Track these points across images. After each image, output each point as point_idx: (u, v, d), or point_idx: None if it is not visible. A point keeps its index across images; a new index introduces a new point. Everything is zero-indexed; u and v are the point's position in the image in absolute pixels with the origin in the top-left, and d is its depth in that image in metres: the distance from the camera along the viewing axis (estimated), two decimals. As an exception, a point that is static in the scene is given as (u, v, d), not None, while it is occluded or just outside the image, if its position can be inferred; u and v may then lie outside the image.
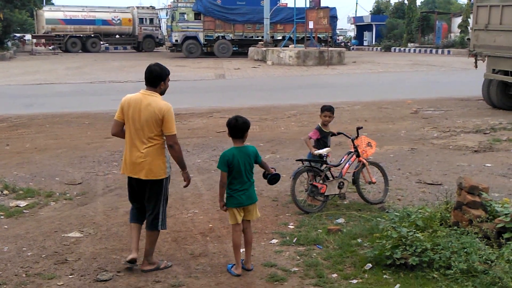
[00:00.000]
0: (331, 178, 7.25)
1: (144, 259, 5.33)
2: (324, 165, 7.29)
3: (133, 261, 5.28)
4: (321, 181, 7.16)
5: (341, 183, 7.28)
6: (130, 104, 5.15)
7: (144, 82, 5.23)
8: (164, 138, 5.18)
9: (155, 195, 5.25)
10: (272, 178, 5.47)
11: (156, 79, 5.17)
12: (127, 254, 5.60)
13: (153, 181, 5.19)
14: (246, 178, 5.25)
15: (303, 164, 7.23)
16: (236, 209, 5.26)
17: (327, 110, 7.42)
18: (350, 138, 7.62)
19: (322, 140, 7.44)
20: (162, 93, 5.27)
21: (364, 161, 7.48)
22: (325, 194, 7.15)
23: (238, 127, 5.22)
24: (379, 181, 7.67)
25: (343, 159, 7.55)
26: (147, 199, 5.29)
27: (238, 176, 5.21)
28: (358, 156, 7.48)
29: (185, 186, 5.46)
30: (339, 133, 7.67)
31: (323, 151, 7.19)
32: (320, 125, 7.49)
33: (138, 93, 5.22)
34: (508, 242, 4.95)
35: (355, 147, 7.47)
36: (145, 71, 5.21)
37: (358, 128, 7.68)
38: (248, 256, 5.38)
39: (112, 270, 5.29)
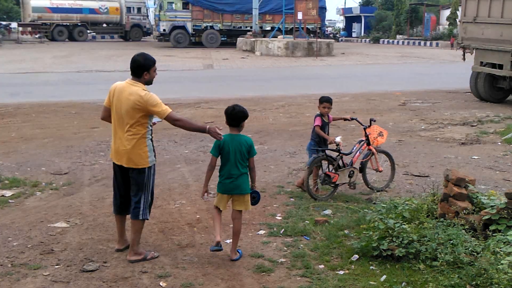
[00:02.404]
0: (343, 167, 7.34)
1: (130, 249, 5.32)
2: (337, 154, 7.35)
3: (119, 250, 5.33)
4: (333, 170, 7.26)
5: (352, 172, 7.40)
6: (115, 92, 5.17)
7: (130, 73, 5.19)
8: (148, 127, 5.18)
9: (136, 184, 5.22)
10: (254, 196, 5.43)
11: (139, 69, 5.14)
12: (114, 245, 5.59)
13: (135, 169, 5.17)
14: (235, 166, 5.25)
15: (317, 152, 7.27)
16: (221, 194, 5.35)
17: (326, 101, 7.46)
18: (363, 126, 7.72)
19: (322, 128, 7.46)
20: (148, 83, 5.23)
21: (373, 150, 7.60)
22: (337, 183, 7.26)
23: (234, 115, 5.31)
24: (386, 169, 7.84)
25: (354, 147, 7.67)
26: (131, 188, 5.29)
27: (227, 163, 5.26)
28: (368, 144, 7.60)
29: (218, 138, 5.16)
30: (352, 119, 7.75)
31: (338, 139, 7.29)
32: (319, 113, 7.51)
33: (125, 82, 5.19)
34: (494, 234, 4.97)
35: (367, 135, 7.59)
36: (130, 61, 5.16)
37: (371, 120, 7.74)
38: (234, 247, 5.39)
39: (99, 261, 5.26)
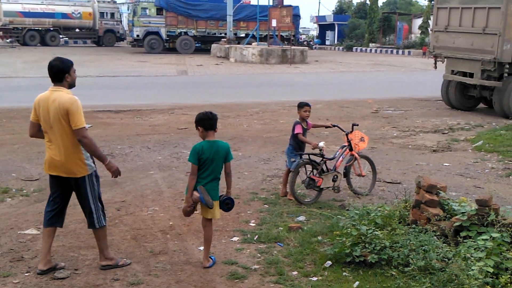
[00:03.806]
0: (326, 171, 7.48)
1: (100, 255, 5.25)
2: (321, 158, 7.48)
3: (42, 273, 5.05)
4: (317, 175, 7.38)
5: (335, 176, 7.54)
6: (40, 103, 4.95)
7: (51, 80, 5.01)
8: None
9: (81, 194, 5.06)
10: (228, 202, 5.37)
11: (59, 73, 4.96)
12: (86, 252, 5.52)
13: (76, 179, 5.00)
14: (212, 172, 5.22)
15: (301, 157, 7.40)
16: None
17: (306, 105, 7.53)
18: (344, 132, 7.85)
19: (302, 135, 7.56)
20: (71, 86, 5.07)
21: (356, 155, 7.76)
22: (321, 187, 7.39)
23: (213, 118, 5.27)
24: (367, 173, 8.00)
25: (337, 153, 7.81)
26: (77, 198, 5.14)
27: (205, 169, 5.19)
28: (351, 149, 7.76)
29: (113, 177, 5.13)
30: (334, 126, 7.97)
31: (322, 144, 7.41)
32: (299, 120, 7.56)
33: (47, 90, 5.00)
34: (464, 241, 5.04)
35: (349, 141, 7.74)
36: (47, 68, 4.99)
37: (353, 125, 7.94)
38: (206, 254, 5.36)
39: (70, 268, 5.19)
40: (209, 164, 5.18)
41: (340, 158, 7.73)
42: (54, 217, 5.17)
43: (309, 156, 7.41)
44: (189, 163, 5.23)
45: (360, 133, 7.93)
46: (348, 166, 7.77)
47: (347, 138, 7.76)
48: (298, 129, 7.46)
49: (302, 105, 7.54)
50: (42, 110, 4.92)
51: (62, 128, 4.87)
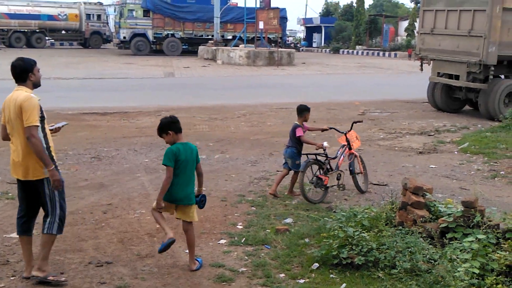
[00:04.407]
0: (331, 170, 7.73)
1: (36, 262, 4.99)
2: (325, 158, 7.76)
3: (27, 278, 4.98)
4: (323, 174, 7.64)
5: (339, 175, 7.85)
6: (5, 104, 4.88)
7: (14, 81, 4.95)
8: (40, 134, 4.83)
9: (42, 197, 4.93)
10: (203, 200, 5.41)
11: (23, 73, 4.89)
12: (72, 255, 5.49)
13: (35, 182, 4.90)
14: (188, 175, 5.22)
15: (307, 157, 7.62)
16: (168, 203, 5.24)
17: (308, 110, 7.83)
18: (343, 132, 8.18)
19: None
20: (36, 85, 5.00)
21: (356, 153, 8.16)
22: (327, 185, 7.63)
23: (179, 121, 5.29)
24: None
25: (338, 152, 8.09)
26: (40, 201, 5.01)
27: (181, 172, 5.17)
28: (350, 148, 8.08)
29: (52, 187, 4.85)
30: (330, 128, 8.31)
31: (326, 144, 7.75)
32: (298, 123, 7.80)
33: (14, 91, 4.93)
34: (450, 242, 5.07)
35: (347, 140, 8.05)
36: (10, 68, 4.93)
37: (354, 122, 8.52)
38: (192, 257, 5.35)
39: (56, 272, 5.14)
40: (185, 166, 5.18)
41: (342, 157, 8.00)
42: (24, 224, 5.07)
43: (316, 156, 7.67)
44: None
45: (355, 133, 8.28)
46: (352, 164, 8.04)
47: (346, 138, 8.05)
48: (300, 132, 7.68)
49: (304, 110, 7.81)
50: (7, 110, 4.87)
51: (21, 128, 4.78)
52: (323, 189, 7.64)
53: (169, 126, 5.22)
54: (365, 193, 8.10)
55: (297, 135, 7.67)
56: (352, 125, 8.43)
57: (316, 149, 7.73)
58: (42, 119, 4.86)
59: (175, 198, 5.23)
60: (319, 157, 7.72)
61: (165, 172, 5.17)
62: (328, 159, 7.76)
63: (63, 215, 5.02)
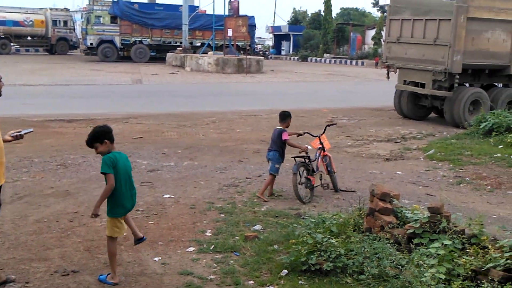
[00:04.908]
0: (312, 172, 8.16)
1: None
2: (308, 160, 8.20)
3: None
4: (310, 175, 8.11)
5: (320, 175, 8.39)
6: None
7: None
8: None
9: None
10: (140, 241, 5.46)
11: None
12: (37, 264, 5.39)
13: None
14: (129, 183, 5.19)
15: (295, 160, 8.04)
16: (119, 219, 5.16)
17: (290, 116, 8.27)
18: (317, 136, 8.67)
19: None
20: None
21: (329, 154, 8.67)
22: (314, 185, 8.10)
23: (112, 130, 5.20)
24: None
25: (316, 154, 8.49)
26: None
27: (123, 181, 5.10)
28: (323, 150, 8.55)
29: None
30: (305, 133, 8.75)
31: (309, 147, 8.39)
32: (282, 128, 8.19)
33: None
34: (417, 248, 5.13)
35: (321, 143, 8.55)
36: None
37: (327, 125, 9.14)
38: (133, 227, 5.37)
39: (20, 281, 5.05)
40: (124, 174, 5.11)
41: (320, 159, 8.45)
42: None
43: (304, 159, 8.10)
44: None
45: (325, 136, 8.78)
46: (329, 165, 8.55)
47: (320, 140, 8.54)
48: (286, 136, 8.08)
49: (287, 116, 8.22)
50: None
51: None
52: (311, 189, 8.06)
53: (104, 135, 5.08)
54: (334, 197, 8.17)
55: (284, 138, 8.05)
56: (325, 128, 8.97)
57: (300, 152, 8.20)
58: None
59: (128, 208, 5.18)
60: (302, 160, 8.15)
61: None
62: (311, 161, 8.20)
63: None
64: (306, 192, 8.06)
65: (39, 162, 9.90)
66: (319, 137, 8.60)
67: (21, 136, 5.07)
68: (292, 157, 8.15)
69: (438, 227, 5.23)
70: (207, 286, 5.10)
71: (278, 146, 8.12)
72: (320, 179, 8.32)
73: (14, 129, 5.20)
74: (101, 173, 5.04)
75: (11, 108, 16.35)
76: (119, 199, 5.07)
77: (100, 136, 5.07)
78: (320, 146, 8.54)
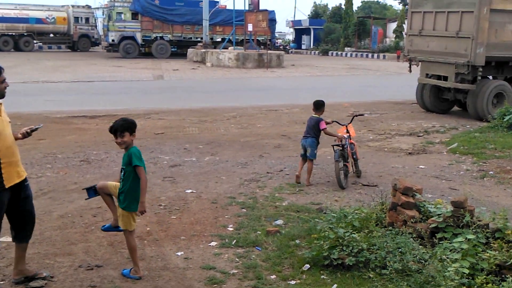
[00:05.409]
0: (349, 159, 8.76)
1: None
2: (341, 148, 8.71)
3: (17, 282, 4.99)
4: (346, 162, 8.65)
5: (352, 162, 8.94)
6: None
7: None
8: None
9: None
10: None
11: None
12: (62, 259, 5.46)
13: None
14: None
15: (333, 149, 8.62)
16: (134, 213, 5.19)
17: (324, 104, 8.78)
18: (344, 124, 9.12)
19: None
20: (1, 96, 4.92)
21: (354, 142, 9.10)
22: (349, 172, 8.71)
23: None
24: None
25: (347, 142, 8.86)
26: None
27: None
28: (349, 138, 8.97)
29: None
30: (333, 121, 9.18)
31: (346, 135, 8.87)
32: (318, 117, 8.65)
33: None
34: (440, 242, 5.08)
35: (348, 131, 8.98)
36: None
37: (355, 115, 10.00)
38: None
39: (45, 276, 5.11)
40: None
41: (349, 147, 8.85)
42: None
43: (342, 147, 8.61)
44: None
45: (351, 125, 9.22)
46: (354, 153, 8.99)
47: (347, 129, 8.98)
48: (324, 125, 8.56)
49: (323, 104, 8.76)
50: None
51: None
52: (346, 175, 8.59)
53: (135, 127, 5.18)
54: (356, 192, 8.14)
55: (322, 127, 8.52)
56: (353, 118, 9.61)
57: (335, 141, 8.86)
58: None
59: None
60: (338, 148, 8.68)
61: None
62: (345, 149, 8.69)
63: None
64: (343, 178, 8.51)
65: (63, 158, 10.01)
66: (346, 126, 9.03)
67: (28, 134, 4.97)
68: (332, 145, 8.71)
69: (461, 221, 5.18)
70: (229, 281, 5.12)
71: (315, 133, 8.60)
72: (352, 166, 8.89)
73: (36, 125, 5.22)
74: (133, 166, 5.01)
75: (34, 104, 16.57)
76: (138, 193, 5.08)
77: (132, 127, 5.14)
78: (348, 134, 8.94)
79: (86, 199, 5.57)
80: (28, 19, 48.56)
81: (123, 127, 5.07)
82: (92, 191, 5.43)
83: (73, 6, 52.38)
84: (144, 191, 5.07)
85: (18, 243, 4.99)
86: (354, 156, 9.02)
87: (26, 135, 4.95)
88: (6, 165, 4.66)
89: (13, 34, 48.47)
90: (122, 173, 5.13)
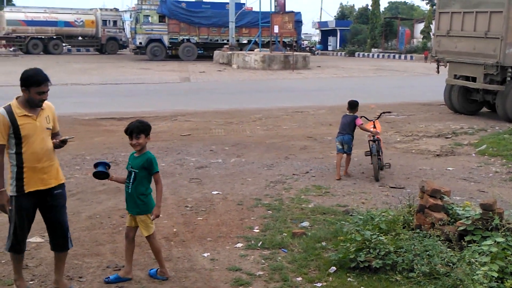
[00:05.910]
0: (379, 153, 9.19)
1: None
2: (374, 142, 9.19)
3: None
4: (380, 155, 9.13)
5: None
6: None
7: None
8: (10, 152, 4.65)
9: None
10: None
11: (21, 82, 4.99)
12: (90, 260, 5.52)
13: None
14: None
15: (369, 144, 9.18)
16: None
17: (358, 104, 9.47)
18: (371, 120, 9.61)
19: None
20: (31, 103, 4.97)
21: (380, 137, 9.43)
22: (382, 165, 9.21)
23: None
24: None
25: (374, 137, 9.32)
26: None
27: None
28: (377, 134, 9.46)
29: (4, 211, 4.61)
30: (361, 117, 9.51)
31: (378, 131, 9.34)
32: (353, 114, 9.30)
33: None
34: (469, 245, 5.03)
35: (375, 127, 9.41)
36: None
37: (383, 112, 10.24)
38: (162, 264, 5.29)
39: (74, 276, 5.19)
40: None
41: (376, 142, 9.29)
42: None
43: (377, 142, 9.10)
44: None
45: (378, 121, 9.68)
46: (380, 148, 9.27)
47: (374, 124, 9.43)
48: (360, 121, 9.22)
49: (358, 104, 9.45)
50: None
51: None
52: (380, 168, 9.08)
53: (150, 130, 5.24)
54: (383, 194, 8.08)
55: (358, 124, 9.15)
56: (380, 114, 9.96)
57: (369, 136, 9.36)
58: (17, 136, 4.63)
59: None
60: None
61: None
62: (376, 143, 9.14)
63: (14, 236, 4.76)
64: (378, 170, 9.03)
65: (91, 160, 10.12)
66: (373, 122, 9.49)
67: (59, 145, 5.00)
68: (369, 140, 9.20)
69: (490, 224, 5.11)
70: (256, 282, 5.12)
71: (351, 130, 9.23)
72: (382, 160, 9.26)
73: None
74: (154, 173, 5.13)
75: (63, 106, 16.74)
76: (150, 196, 5.19)
77: (147, 129, 5.20)
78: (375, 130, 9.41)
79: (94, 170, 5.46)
80: (57, 22, 49.33)
81: (139, 129, 5.14)
82: (103, 165, 5.36)
83: (101, 9, 53.10)
84: (161, 195, 5.18)
85: (52, 250, 5.02)
86: (379, 150, 9.37)
87: (58, 146, 4.94)
88: (28, 170, 4.63)
89: (43, 37, 49.27)
90: (132, 176, 5.15)
